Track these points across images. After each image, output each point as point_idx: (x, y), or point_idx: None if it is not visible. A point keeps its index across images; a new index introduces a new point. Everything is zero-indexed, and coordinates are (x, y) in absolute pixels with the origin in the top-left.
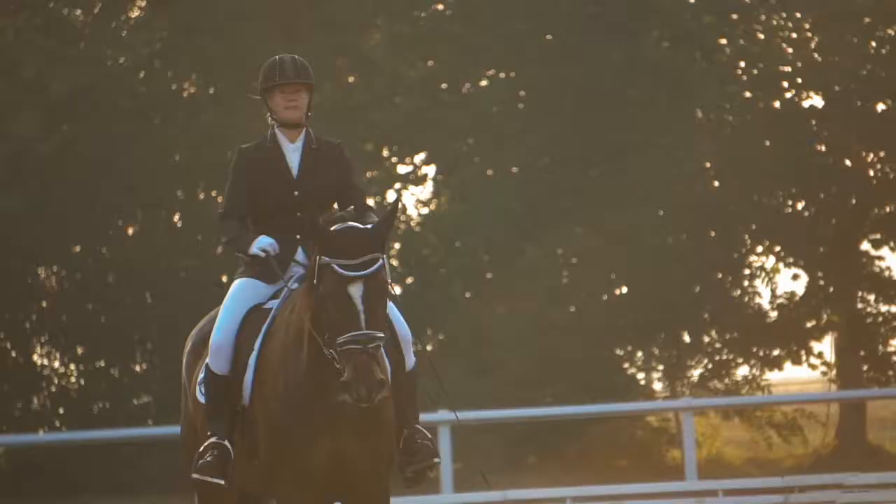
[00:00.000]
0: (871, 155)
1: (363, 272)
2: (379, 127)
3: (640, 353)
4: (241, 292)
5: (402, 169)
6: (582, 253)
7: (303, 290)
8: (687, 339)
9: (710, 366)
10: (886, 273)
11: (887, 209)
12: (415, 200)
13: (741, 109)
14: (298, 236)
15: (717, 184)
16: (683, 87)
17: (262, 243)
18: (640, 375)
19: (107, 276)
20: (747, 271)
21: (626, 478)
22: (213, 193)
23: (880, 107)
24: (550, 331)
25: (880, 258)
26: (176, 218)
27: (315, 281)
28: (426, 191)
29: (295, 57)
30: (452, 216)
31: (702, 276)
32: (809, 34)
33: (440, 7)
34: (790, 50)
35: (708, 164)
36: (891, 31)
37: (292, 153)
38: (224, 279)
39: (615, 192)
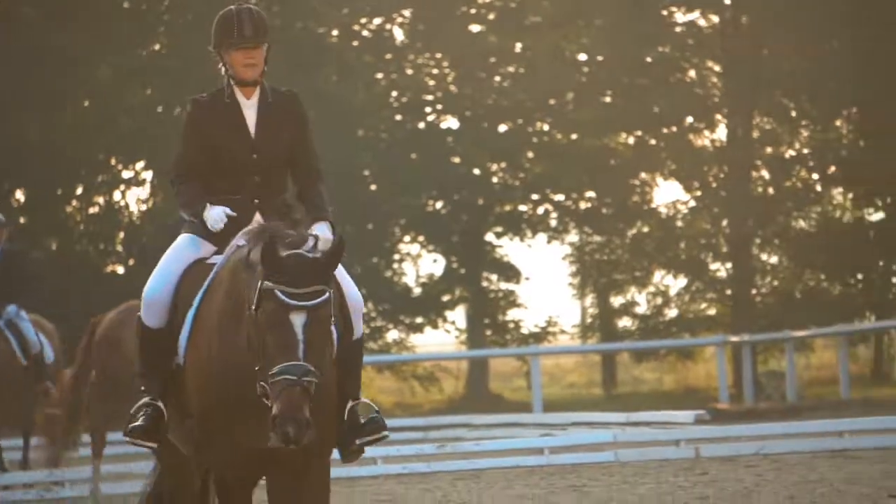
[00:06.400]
0: (495, 165)
1: (308, 302)
2: (109, 140)
3: None
4: (184, 247)
5: (126, 174)
6: None
7: (251, 277)
8: None
9: (367, 331)
10: (506, 258)
11: (507, 208)
12: (136, 199)
13: (394, 129)
14: (257, 200)
15: (373, 187)
16: (342, 112)
17: (216, 216)
18: None
19: None
20: (397, 256)
21: None
22: None
23: (502, 128)
24: None
25: (500, 247)
26: None
27: (254, 307)
28: (145, 191)
29: (252, 9)
30: (166, 212)
31: (361, 260)
32: (448, 70)
33: (157, 47)
34: (432, 83)
35: (367, 172)
36: (511, 69)
37: (248, 109)
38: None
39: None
